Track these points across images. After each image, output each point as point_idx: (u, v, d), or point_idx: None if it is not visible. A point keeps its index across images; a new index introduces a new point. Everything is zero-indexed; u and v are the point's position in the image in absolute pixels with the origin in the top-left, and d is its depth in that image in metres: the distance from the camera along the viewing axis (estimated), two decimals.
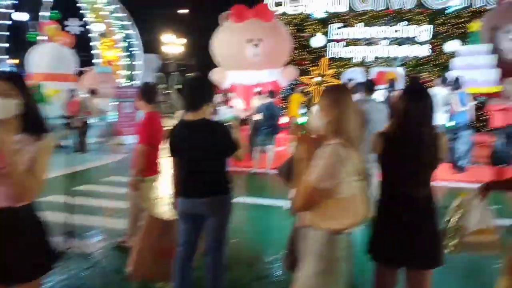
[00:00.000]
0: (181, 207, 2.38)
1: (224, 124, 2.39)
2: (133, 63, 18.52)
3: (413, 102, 1.86)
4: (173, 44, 26.54)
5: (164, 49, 25.90)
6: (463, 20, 11.11)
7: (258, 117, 6.72)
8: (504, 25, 8.61)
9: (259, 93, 8.05)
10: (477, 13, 10.73)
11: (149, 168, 3.16)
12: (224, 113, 6.10)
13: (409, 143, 1.84)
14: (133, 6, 18.88)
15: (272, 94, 6.76)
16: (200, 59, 20.55)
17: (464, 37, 10.35)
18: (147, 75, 16.72)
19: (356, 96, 3.93)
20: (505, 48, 8.50)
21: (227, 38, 9.81)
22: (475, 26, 8.74)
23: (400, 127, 1.88)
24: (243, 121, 9.52)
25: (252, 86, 9.91)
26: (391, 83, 8.62)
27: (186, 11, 27.31)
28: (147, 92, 3.28)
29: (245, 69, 9.82)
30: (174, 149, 2.38)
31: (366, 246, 1.96)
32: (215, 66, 10.61)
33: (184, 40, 26.85)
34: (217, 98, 6.60)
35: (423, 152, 1.83)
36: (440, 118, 6.55)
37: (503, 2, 9.39)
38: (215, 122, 2.44)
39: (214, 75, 10.55)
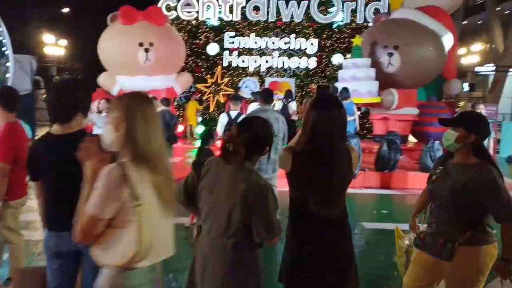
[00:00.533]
0: (48, 244, 1.89)
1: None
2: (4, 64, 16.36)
3: (324, 114, 1.71)
4: (54, 45, 24.39)
5: (45, 50, 23.64)
6: (346, 35, 12.02)
7: None
8: (381, 41, 9.42)
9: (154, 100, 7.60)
10: (359, 29, 11.69)
11: (13, 190, 2.59)
12: (102, 124, 5.48)
13: (321, 159, 1.69)
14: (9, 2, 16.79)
15: (166, 101, 6.40)
16: (87, 62, 19.10)
17: (348, 51, 11.15)
18: (21, 78, 14.89)
19: (253, 106, 3.85)
20: (382, 62, 9.30)
21: (116, 41, 9.16)
22: (357, 41, 9.44)
23: (309, 141, 1.72)
24: None
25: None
26: (288, 94, 8.89)
27: (68, 10, 25.24)
28: (7, 98, 2.65)
29: (136, 74, 9.27)
30: (35, 170, 1.90)
31: (278, 273, 1.80)
32: (103, 70, 9.86)
33: (66, 41, 24.80)
34: (96, 105, 5.96)
35: (335, 169, 1.69)
36: None
37: (380, 20, 10.32)
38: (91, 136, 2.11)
39: (102, 80, 9.81)
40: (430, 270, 2.06)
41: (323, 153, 1.70)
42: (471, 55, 23.69)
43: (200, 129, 10.93)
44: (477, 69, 21.84)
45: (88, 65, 18.38)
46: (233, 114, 5.00)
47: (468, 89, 20.52)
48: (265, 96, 4.09)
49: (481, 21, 24.88)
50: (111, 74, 9.62)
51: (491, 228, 1.99)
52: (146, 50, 8.90)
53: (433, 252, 2.02)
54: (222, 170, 1.65)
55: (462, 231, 1.95)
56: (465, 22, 24.53)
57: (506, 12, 22.24)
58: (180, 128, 10.40)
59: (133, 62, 9.08)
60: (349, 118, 6.70)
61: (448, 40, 9.90)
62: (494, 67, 21.27)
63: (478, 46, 24.73)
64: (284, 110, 8.46)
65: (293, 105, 8.57)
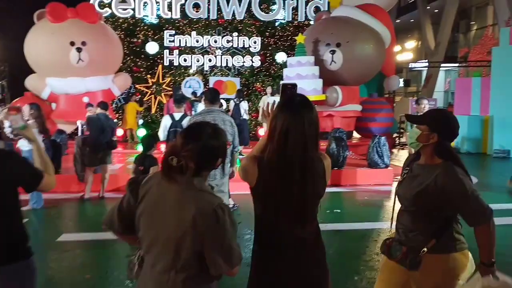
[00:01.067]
0: None
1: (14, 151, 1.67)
2: None
3: (295, 118, 1.46)
4: None
5: None
6: (288, 33, 11.99)
7: (86, 131, 5.80)
8: (323, 39, 9.46)
9: (89, 104, 7.07)
10: (301, 27, 11.70)
11: None
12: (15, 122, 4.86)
13: (292, 170, 1.44)
14: None
15: (103, 105, 5.91)
16: (12, 64, 17.67)
17: (291, 49, 11.12)
18: None
19: (200, 106, 3.57)
20: (325, 59, 9.34)
21: (44, 40, 8.42)
22: (300, 38, 9.40)
23: (278, 150, 1.45)
24: (70, 136, 8.33)
25: (79, 95, 8.76)
26: (239, 93, 8.68)
27: None
28: None
29: (69, 75, 8.60)
30: None
31: None
32: (31, 71, 9.06)
33: None
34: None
35: (309, 181, 1.46)
36: None
37: (321, 18, 10.37)
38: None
39: (30, 83, 9.02)
40: (400, 277, 1.92)
41: (294, 164, 1.44)
42: (405, 52, 24.90)
43: (141, 132, 10.39)
44: (411, 65, 22.89)
45: (14, 68, 16.96)
46: (177, 116, 4.65)
47: (404, 84, 21.44)
48: (211, 96, 3.82)
49: (412, 20, 26.18)
50: (40, 76, 8.85)
51: (460, 235, 1.86)
52: (79, 50, 8.25)
53: (397, 260, 1.87)
54: (165, 190, 1.32)
55: (427, 238, 1.81)
56: (398, 20, 25.60)
57: (436, 10, 23.51)
58: (120, 132, 9.82)
59: (65, 63, 8.39)
60: None
61: (386, 37, 10.19)
62: (427, 63, 22.43)
63: (411, 44, 26.07)
64: (237, 110, 8.33)
65: (244, 105, 8.46)
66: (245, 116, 8.41)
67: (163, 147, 5.04)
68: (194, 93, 9.56)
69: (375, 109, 10.09)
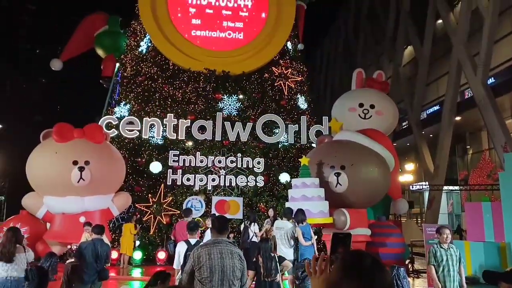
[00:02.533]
0: None
1: None
2: None
3: (363, 285, 1.13)
4: None
5: None
6: (291, 154, 12.11)
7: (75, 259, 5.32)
8: (328, 161, 9.44)
9: (86, 222, 6.72)
10: (303, 150, 11.85)
11: None
12: None
13: None
14: None
15: (99, 229, 5.52)
16: (13, 181, 17.61)
17: (294, 170, 11.08)
18: None
19: (207, 234, 3.18)
20: (331, 181, 9.18)
21: (47, 159, 8.36)
22: (304, 160, 9.39)
23: None
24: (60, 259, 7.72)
25: (76, 215, 8.39)
26: (251, 216, 8.54)
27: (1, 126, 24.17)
28: None
29: (67, 194, 8.34)
30: None
31: None
32: (31, 189, 8.83)
33: None
34: None
35: None
36: (288, 253, 6.23)
37: (324, 141, 10.52)
38: None
39: (26, 202, 8.73)
40: None
41: None
42: (405, 174, 25.17)
43: (138, 255, 9.75)
44: (412, 187, 22.92)
45: (14, 184, 16.90)
46: (193, 241, 4.56)
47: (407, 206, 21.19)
48: (219, 225, 3.48)
49: (409, 144, 27.05)
50: (38, 195, 8.59)
51: None
52: (80, 169, 8.13)
53: None
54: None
55: None
56: (395, 144, 26.40)
57: (431, 135, 24.39)
58: (114, 255, 9.20)
59: (65, 182, 8.20)
60: (307, 243, 6.15)
61: (390, 160, 10.22)
62: (428, 185, 22.46)
63: (410, 166, 26.51)
64: (246, 233, 8.04)
65: (255, 227, 8.14)
66: (255, 239, 7.98)
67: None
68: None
69: (385, 233, 9.62)
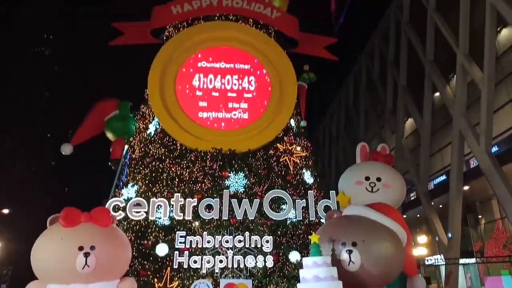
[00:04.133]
0: None
1: None
2: None
3: None
4: None
5: None
6: (300, 231, 11.87)
7: None
8: (338, 238, 9.19)
9: None
10: (312, 225, 11.64)
11: None
12: None
13: None
14: None
15: None
16: (17, 267, 17.20)
17: (304, 247, 10.80)
18: None
19: None
20: (343, 259, 8.87)
21: (52, 245, 8.21)
22: (314, 238, 9.16)
23: None
24: None
25: None
26: None
27: (8, 211, 24.17)
28: None
29: (71, 282, 8.05)
30: None
31: None
32: (35, 277, 8.56)
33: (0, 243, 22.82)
34: None
35: None
36: None
37: (333, 217, 10.34)
38: None
39: None
40: None
41: None
42: (418, 247, 24.42)
43: None
44: (427, 261, 22.09)
45: (18, 272, 16.48)
46: None
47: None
48: None
49: (419, 215, 26.55)
50: (41, 284, 8.30)
51: None
52: (86, 255, 7.93)
53: None
54: None
55: None
56: (405, 216, 25.95)
57: (440, 206, 24.01)
58: None
59: (70, 268, 7.96)
60: None
61: (402, 235, 9.93)
62: (443, 259, 21.65)
63: (422, 238, 25.77)
64: None
65: None
66: None
67: None
68: None
69: None
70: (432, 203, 24.48)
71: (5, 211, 24.14)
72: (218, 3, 15.83)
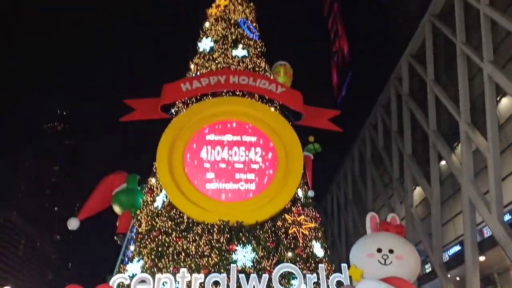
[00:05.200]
0: None
1: None
2: None
3: None
4: None
5: None
6: None
7: None
8: None
9: None
10: None
11: None
12: None
13: None
14: None
15: None
16: None
17: None
18: None
19: None
20: None
21: None
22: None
23: None
24: None
25: None
26: None
27: None
28: None
29: None
30: None
31: None
32: None
33: None
34: None
35: None
36: None
37: None
38: None
39: None
40: None
41: None
42: None
43: None
44: None
45: None
46: None
47: None
48: None
49: None
50: None
51: None
52: None
53: None
54: None
55: None
56: None
57: (457, 278, 22.96)
58: None
59: None
60: None
61: None
62: None
63: None
64: None
65: None
66: None
67: None
68: None
69: None
70: (449, 275, 23.44)
71: None
72: (225, 80, 16.56)
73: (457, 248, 24.39)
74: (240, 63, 18.05)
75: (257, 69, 18.15)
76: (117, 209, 16.55)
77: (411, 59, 30.34)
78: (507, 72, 20.19)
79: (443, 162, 25.93)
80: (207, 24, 19.98)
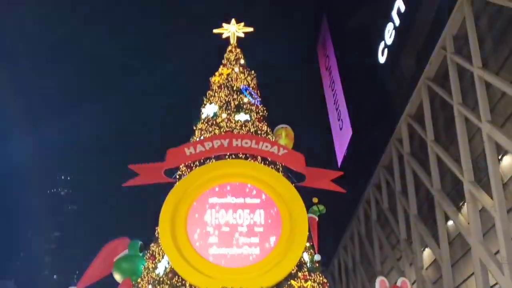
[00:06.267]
0: None
1: None
2: None
3: None
4: None
5: None
6: None
7: None
8: None
9: None
10: None
11: None
12: None
13: None
14: None
15: None
16: None
17: None
18: None
19: None
20: None
21: None
22: None
23: None
24: None
25: None
26: None
27: None
28: None
29: None
30: None
31: None
32: None
33: None
34: None
35: None
36: None
37: None
38: None
39: None
40: None
41: None
42: None
43: None
44: None
45: None
46: None
47: None
48: None
49: None
50: None
51: None
52: None
53: None
54: None
55: None
56: None
57: None
58: None
59: None
60: None
61: None
62: None
63: None
64: None
65: None
66: None
67: None
68: None
69: None
70: None
71: None
72: (228, 143, 16.85)
73: None
74: (243, 127, 18.47)
75: (259, 132, 18.53)
76: (117, 276, 16.09)
77: (410, 120, 30.93)
78: (506, 131, 20.48)
79: (450, 222, 25.48)
80: (210, 92, 20.72)
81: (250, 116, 19.24)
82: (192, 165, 17.02)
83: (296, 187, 16.42)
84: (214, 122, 18.83)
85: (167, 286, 13.24)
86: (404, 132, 31.95)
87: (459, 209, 25.20)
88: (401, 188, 32.23)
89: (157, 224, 14.83)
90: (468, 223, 23.06)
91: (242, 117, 19.09)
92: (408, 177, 30.75)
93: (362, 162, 40.52)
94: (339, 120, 49.86)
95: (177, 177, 17.02)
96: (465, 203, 23.70)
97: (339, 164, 48.62)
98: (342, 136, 49.27)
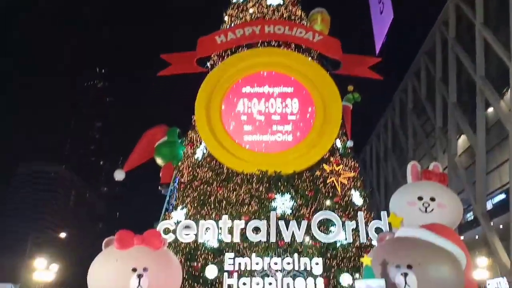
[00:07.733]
0: None
1: None
2: None
3: None
4: (45, 269, 23.56)
5: (34, 275, 22.68)
6: (351, 254, 11.54)
7: None
8: (392, 260, 8.85)
9: None
10: (363, 248, 11.30)
11: None
12: None
13: None
14: None
15: None
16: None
17: (356, 270, 10.48)
18: None
19: None
20: (398, 283, 8.50)
21: (108, 267, 8.51)
22: (367, 260, 8.87)
23: None
24: None
25: None
26: None
27: (65, 235, 25.42)
28: None
29: None
30: None
31: None
32: None
33: (57, 266, 24.01)
34: None
35: None
36: None
37: (384, 239, 9.99)
38: None
39: None
40: None
41: None
42: (479, 269, 22.88)
43: None
44: (489, 283, 20.68)
45: None
46: None
47: None
48: None
49: (477, 236, 25.01)
50: None
51: None
52: (139, 276, 8.16)
53: None
54: None
55: None
56: (462, 237, 24.58)
57: (501, 226, 22.55)
58: None
59: None
60: None
61: (461, 257, 9.39)
62: (506, 282, 20.21)
63: (483, 260, 24.12)
64: None
65: None
66: None
67: None
68: None
69: None
70: (492, 224, 23.03)
71: (62, 235, 25.38)
72: (260, 30, 16.19)
73: (501, 196, 23.74)
74: (275, 12, 17.53)
75: (292, 17, 17.58)
76: (159, 161, 17.15)
77: (458, 1, 28.34)
78: None
79: (490, 109, 24.74)
80: None
81: (283, 0, 18.11)
82: (223, 54, 16.71)
83: (331, 74, 16.02)
84: (245, 8, 17.93)
85: (206, 169, 14.02)
86: (452, 14, 29.53)
87: (501, 95, 24.23)
88: (441, 75, 30.91)
89: (193, 113, 15.21)
90: (510, 110, 22.33)
91: (274, 1, 18.00)
92: (450, 63, 29.26)
93: (403, 49, 38.53)
94: (379, 2, 46.23)
95: (209, 66, 16.89)
96: (509, 90, 22.67)
97: (377, 51, 46.50)
98: (382, 21, 46.14)
